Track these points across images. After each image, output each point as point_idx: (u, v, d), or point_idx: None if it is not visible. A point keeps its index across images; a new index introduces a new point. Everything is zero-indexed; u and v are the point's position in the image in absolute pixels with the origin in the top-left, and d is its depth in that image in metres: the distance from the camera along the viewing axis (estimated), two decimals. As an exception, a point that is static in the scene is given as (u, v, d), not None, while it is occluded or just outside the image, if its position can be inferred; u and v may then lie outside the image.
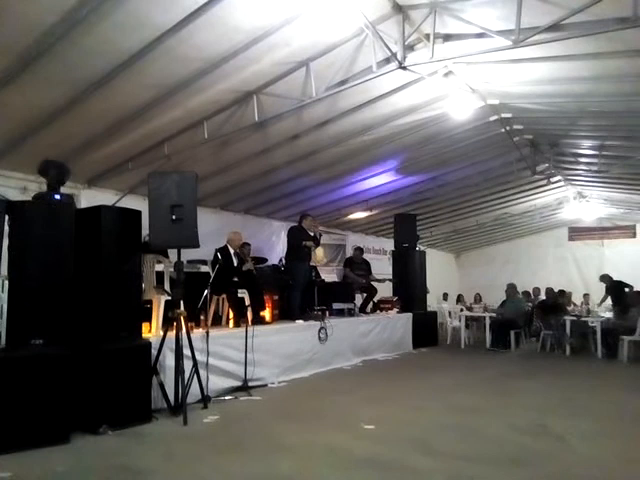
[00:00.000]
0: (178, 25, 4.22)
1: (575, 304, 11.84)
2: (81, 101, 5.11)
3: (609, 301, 11.49)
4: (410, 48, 5.06)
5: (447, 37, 4.99)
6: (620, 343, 8.52)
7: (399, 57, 4.84)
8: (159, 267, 6.05)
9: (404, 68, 4.94)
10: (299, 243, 7.98)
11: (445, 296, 14.89)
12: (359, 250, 10.52)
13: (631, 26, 3.88)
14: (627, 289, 10.44)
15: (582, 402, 5.65)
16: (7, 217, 4.20)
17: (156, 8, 3.99)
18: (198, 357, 5.17)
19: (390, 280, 10.37)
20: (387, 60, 5.06)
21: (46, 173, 4.61)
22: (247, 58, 4.87)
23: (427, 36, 4.85)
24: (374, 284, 10.09)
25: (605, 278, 11.47)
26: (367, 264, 10.32)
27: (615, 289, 10.99)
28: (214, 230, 7.84)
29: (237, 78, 5.23)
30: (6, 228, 4.20)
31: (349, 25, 4.69)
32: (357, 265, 10.07)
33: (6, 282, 4.37)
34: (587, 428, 4.55)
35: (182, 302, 5.11)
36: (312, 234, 8.06)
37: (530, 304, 11.55)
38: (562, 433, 4.35)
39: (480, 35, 4.71)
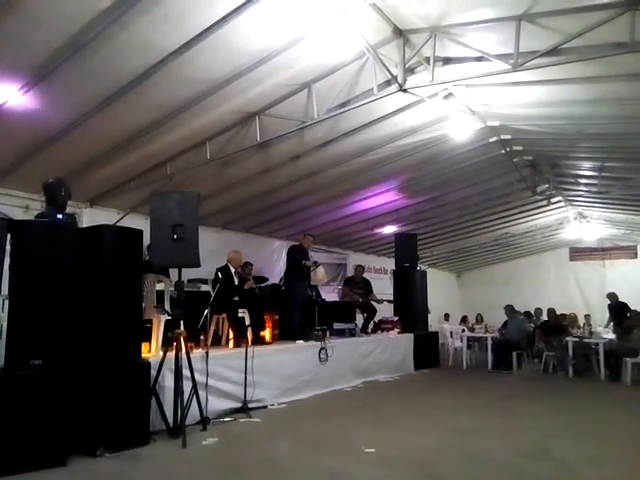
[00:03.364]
0: (182, 48, 4.28)
1: (579, 326, 11.73)
2: (85, 122, 5.16)
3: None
4: (410, 71, 5.14)
5: (447, 60, 5.08)
6: (623, 365, 8.45)
7: (400, 80, 4.91)
8: (160, 286, 6.04)
9: (404, 91, 5.00)
10: (298, 262, 7.99)
11: (446, 316, 14.83)
12: (361, 268, 10.50)
13: (628, 51, 3.95)
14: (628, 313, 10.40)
15: (585, 425, 5.58)
16: (9, 236, 4.22)
17: (160, 31, 4.06)
18: (197, 378, 5.13)
19: (389, 301, 10.29)
20: (388, 83, 5.13)
21: (50, 193, 4.64)
22: (250, 80, 4.94)
23: (427, 59, 4.93)
24: (374, 304, 10.03)
25: (611, 296, 11.47)
26: (367, 283, 10.27)
27: (617, 310, 10.96)
28: (215, 249, 7.84)
29: (240, 100, 5.30)
30: (8, 247, 4.22)
31: (350, 48, 4.76)
32: (356, 284, 10.03)
33: (6, 301, 4.35)
34: (591, 452, 4.48)
35: (182, 322, 5.09)
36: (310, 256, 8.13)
37: (532, 325, 11.48)
38: (565, 457, 4.29)
39: (479, 59, 4.80)
